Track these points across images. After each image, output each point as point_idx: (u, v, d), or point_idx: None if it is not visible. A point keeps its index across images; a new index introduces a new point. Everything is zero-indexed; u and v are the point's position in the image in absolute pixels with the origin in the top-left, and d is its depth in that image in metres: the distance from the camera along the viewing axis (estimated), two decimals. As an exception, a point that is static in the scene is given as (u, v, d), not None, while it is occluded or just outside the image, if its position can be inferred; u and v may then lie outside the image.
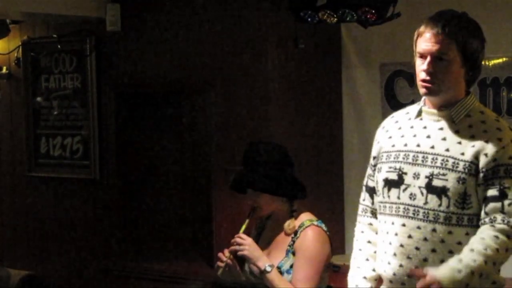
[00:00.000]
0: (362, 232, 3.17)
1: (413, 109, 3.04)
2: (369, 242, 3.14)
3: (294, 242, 3.63)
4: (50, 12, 5.58)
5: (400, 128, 3.02)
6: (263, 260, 3.61)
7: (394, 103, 5.13)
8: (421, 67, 2.89)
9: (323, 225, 3.68)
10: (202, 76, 5.45)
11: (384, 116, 5.18)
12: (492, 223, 2.77)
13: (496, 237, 2.74)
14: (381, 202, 3.02)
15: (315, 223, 3.67)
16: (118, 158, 5.96)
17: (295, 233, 3.65)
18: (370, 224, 3.15)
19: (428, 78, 2.86)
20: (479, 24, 2.95)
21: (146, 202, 6.00)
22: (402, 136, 2.99)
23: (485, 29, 2.99)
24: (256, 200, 3.70)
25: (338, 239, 5.27)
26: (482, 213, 2.81)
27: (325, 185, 5.37)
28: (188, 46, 5.50)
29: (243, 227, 3.72)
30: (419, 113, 2.98)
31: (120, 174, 5.97)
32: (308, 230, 3.63)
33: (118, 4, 5.71)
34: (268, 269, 3.58)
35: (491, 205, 2.78)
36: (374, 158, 3.12)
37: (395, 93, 5.18)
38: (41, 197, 6.41)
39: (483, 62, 4.75)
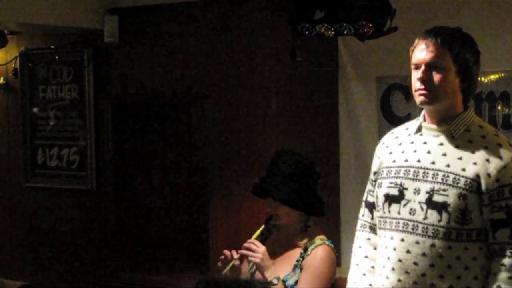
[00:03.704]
0: (360, 247, 3.18)
1: (412, 124, 3.05)
2: (366, 257, 3.14)
3: (303, 258, 3.61)
4: (48, 23, 5.59)
5: (400, 144, 3.03)
6: (271, 272, 3.58)
7: (390, 116, 5.14)
8: (415, 77, 2.91)
9: (332, 246, 3.68)
10: (199, 88, 5.47)
11: (380, 128, 5.22)
12: (502, 257, 2.78)
13: (510, 278, 2.76)
14: (381, 217, 3.02)
15: (327, 242, 3.66)
16: (114, 169, 5.96)
17: (305, 249, 3.63)
18: (368, 239, 3.15)
19: (422, 86, 2.88)
20: (473, 38, 2.97)
21: (142, 212, 6.01)
22: (403, 152, 2.99)
23: (481, 44, 3.01)
24: (276, 209, 3.66)
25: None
26: (491, 236, 2.81)
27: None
28: (185, 57, 5.52)
29: (257, 232, 3.68)
30: (419, 129, 2.99)
31: (117, 185, 5.97)
32: (319, 248, 3.62)
33: (116, 16, 5.74)
34: (275, 281, 3.55)
35: (500, 231, 2.79)
36: (375, 173, 3.11)
37: (391, 106, 5.19)
38: (38, 208, 6.41)
39: (479, 78, 4.75)
